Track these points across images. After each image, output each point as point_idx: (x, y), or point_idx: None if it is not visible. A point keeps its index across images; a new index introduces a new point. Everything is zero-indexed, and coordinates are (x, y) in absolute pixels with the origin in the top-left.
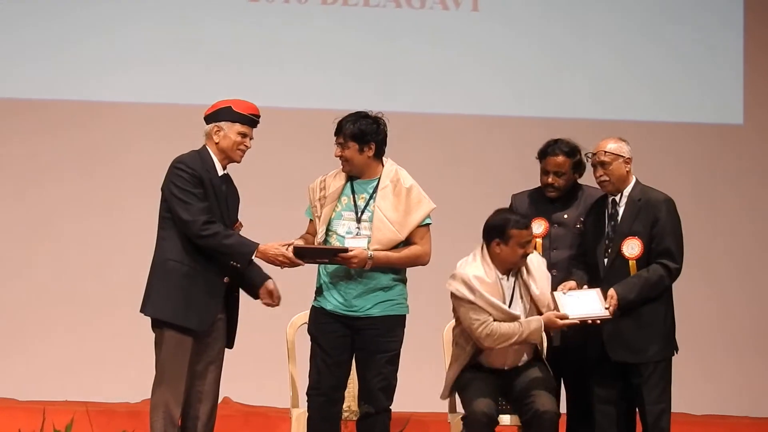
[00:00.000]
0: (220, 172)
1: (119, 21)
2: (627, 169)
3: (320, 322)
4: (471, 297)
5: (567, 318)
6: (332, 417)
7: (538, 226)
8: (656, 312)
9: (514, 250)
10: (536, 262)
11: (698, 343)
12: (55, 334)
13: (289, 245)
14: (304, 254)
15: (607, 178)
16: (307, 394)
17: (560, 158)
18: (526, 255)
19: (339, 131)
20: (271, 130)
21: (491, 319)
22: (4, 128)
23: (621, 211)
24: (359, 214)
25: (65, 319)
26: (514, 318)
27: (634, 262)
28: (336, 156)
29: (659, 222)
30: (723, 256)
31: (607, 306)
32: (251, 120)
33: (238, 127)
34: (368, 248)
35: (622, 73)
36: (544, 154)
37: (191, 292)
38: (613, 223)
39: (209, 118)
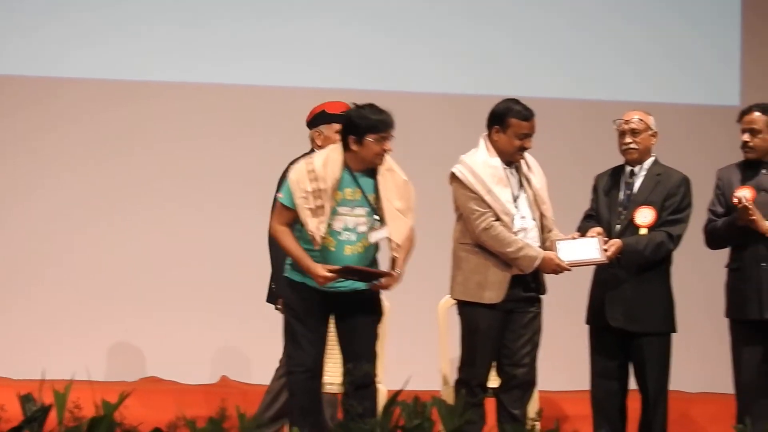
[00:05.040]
0: None
1: None
2: (653, 142)
3: (303, 297)
4: (476, 187)
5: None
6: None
7: (747, 192)
8: (658, 283)
9: (510, 140)
10: (533, 159)
11: (690, 321)
12: (50, 314)
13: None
14: (352, 272)
15: (636, 147)
16: (290, 371)
17: (754, 115)
18: (522, 149)
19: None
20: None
21: (491, 214)
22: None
23: (638, 182)
24: (374, 205)
25: (64, 302)
26: (510, 216)
27: (646, 230)
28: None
29: (675, 196)
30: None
31: (605, 248)
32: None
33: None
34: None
35: (617, 55)
36: (741, 114)
37: None
38: (629, 192)
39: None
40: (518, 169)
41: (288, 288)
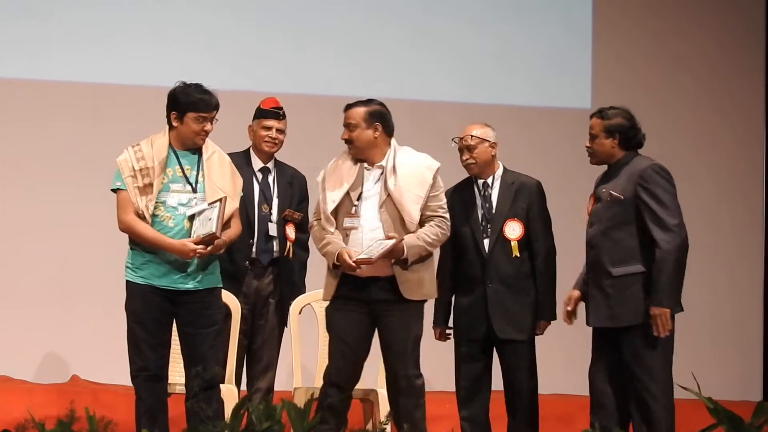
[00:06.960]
0: (258, 166)
1: None
2: (493, 153)
3: (145, 301)
4: (320, 186)
5: (355, 260)
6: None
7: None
8: (531, 293)
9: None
10: (408, 165)
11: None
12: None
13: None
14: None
15: (474, 162)
16: (134, 376)
17: (591, 120)
18: (345, 140)
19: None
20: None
21: (319, 213)
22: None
23: (495, 194)
24: (194, 184)
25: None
26: (329, 220)
27: (516, 243)
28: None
29: (533, 205)
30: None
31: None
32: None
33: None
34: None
35: (464, 55)
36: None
37: None
38: (488, 205)
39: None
40: (384, 169)
41: (129, 292)
